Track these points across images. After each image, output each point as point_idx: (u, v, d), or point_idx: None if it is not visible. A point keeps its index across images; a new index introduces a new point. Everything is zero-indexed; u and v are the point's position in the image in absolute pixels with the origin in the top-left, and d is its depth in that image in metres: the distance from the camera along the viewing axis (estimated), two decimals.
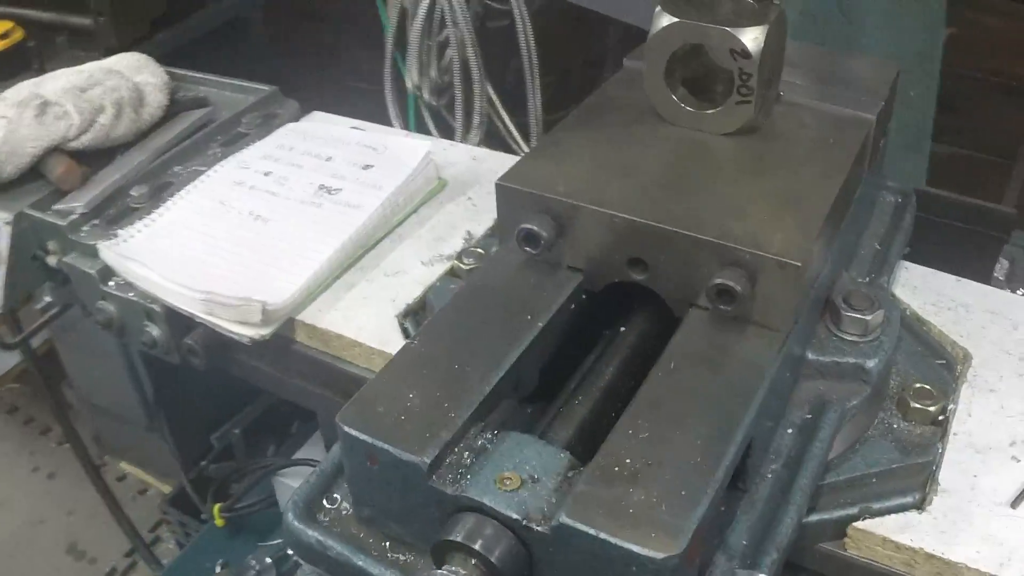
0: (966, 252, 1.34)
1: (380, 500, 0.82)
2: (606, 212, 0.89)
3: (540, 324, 0.88)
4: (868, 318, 0.98)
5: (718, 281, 0.85)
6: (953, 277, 1.22)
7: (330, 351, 1.16)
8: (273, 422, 1.88)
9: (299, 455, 1.42)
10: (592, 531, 0.71)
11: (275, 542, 1.50)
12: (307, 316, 1.17)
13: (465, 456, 0.79)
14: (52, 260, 1.38)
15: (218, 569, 1.48)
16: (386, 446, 0.77)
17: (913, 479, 0.98)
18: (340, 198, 1.29)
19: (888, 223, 1.20)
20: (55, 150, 1.41)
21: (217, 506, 1.48)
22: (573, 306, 0.93)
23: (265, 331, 1.14)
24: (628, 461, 0.76)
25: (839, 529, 0.95)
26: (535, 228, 0.90)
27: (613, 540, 0.70)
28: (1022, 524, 0.96)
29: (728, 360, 0.86)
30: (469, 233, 1.27)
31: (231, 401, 1.91)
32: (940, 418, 1.02)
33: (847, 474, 0.96)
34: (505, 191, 0.93)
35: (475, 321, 0.90)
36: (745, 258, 0.85)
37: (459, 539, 0.74)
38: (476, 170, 1.42)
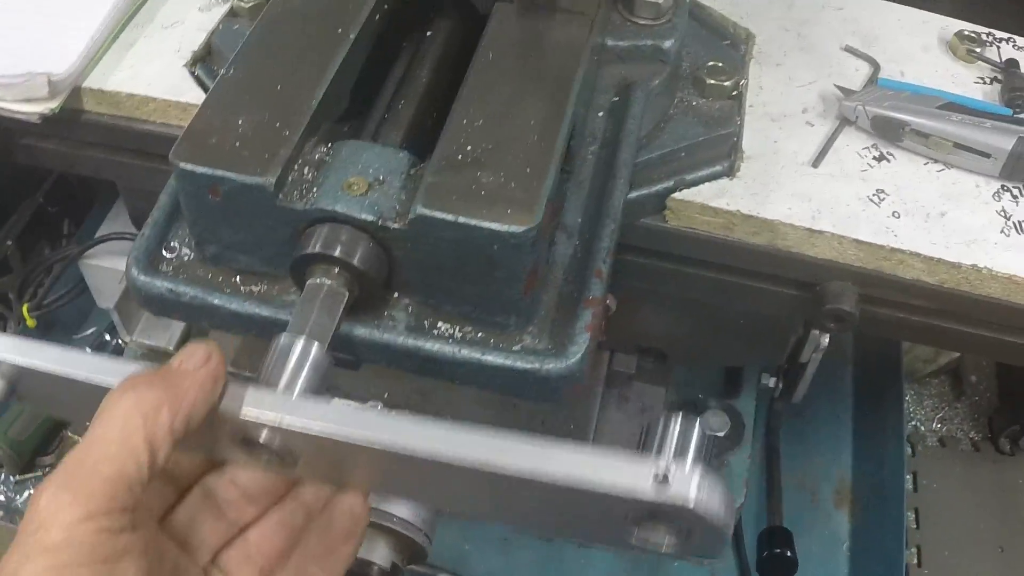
0: None
1: (225, 234, 0.81)
2: None
3: (352, 35, 0.87)
4: (660, 1, 1.01)
5: None
6: None
7: (123, 113, 1.11)
8: (42, 225, 1.82)
9: (99, 234, 1.37)
10: (450, 217, 0.73)
11: (89, 331, 1.47)
12: (93, 82, 1.11)
13: (306, 172, 0.79)
14: None
15: None
16: (228, 173, 0.76)
17: (719, 149, 1.04)
18: None
19: None
20: None
21: (25, 306, 1.43)
22: (377, 16, 0.92)
23: (53, 104, 1.07)
24: (469, 148, 0.78)
25: (659, 203, 1.01)
26: None
27: (472, 222, 0.73)
28: (824, 181, 1.05)
29: (543, 46, 0.88)
30: None
31: None
32: (734, 93, 1.08)
33: (658, 151, 1.01)
34: None
35: (286, 42, 0.87)
36: None
37: (318, 250, 0.75)
38: None
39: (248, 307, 0.82)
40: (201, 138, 0.79)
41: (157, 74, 1.11)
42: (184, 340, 1.22)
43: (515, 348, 0.80)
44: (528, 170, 0.76)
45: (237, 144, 0.78)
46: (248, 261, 0.83)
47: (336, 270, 0.75)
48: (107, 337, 1.44)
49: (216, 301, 0.83)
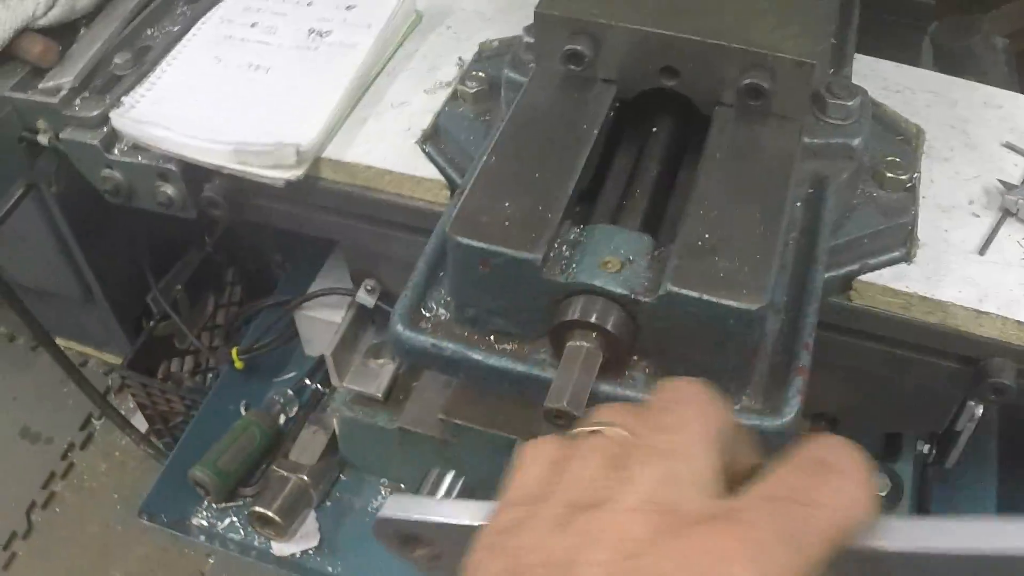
0: (892, 42, 1.50)
1: (486, 300, 0.95)
2: (639, 29, 1.02)
3: (595, 131, 1.01)
4: (849, 104, 1.13)
5: (748, 80, 0.99)
6: (893, 63, 1.39)
7: (358, 183, 1.25)
8: (207, 275, 1.96)
9: (312, 289, 1.52)
10: (696, 294, 0.86)
11: (290, 375, 1.61)
12: (331, 153, 1.26)
13: (564, 250, 0.92)
14: (43, 139, 1.42)
15: (243, 410, 1.58)
16: (499, 248, 0.90)
17: (897, 237, 1.15)
18: (334, 39, 1.37)
19: (840, 18, 1.35)
20: (24, 30, 1.43)
21: (235, 348, 1.57)
22: (611, 114, 1.05)
23: (299, 171, 1.23)
24: (707, 237, 0.91)
25: (845, 284, 1.13)
26: (579, 48, 1.02)
27: (714, 299, 0.85)
28: (991, 268, 1.15)
29: (761, 147, 1.00)
30: (460, 59, 1.37)
31: (159, 262, 1.97)
32: (909, 185, 1.19)
33: (844, 237, 1.12)
34: (542, 16, 1.04)
35: (537, 134, 1.01)
36: (768, 59, 0.99)
37: (576, 316, 0.89)
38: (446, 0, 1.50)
39: (504, 363, 0.96)
40: (473, 217, 0.93)
41: (390, 149, 1.26)
42: (391, 388, 1.35)
43: (736, 407, 0.92)
44: (757, 257, 0.89)
45: (507, 224, 0.92)
46: (502, 324, 0.96)
47: (593, 335, 0.88)
48: (307, 382, 1.58)
49: (476, 356, 0.96)
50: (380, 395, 1.35)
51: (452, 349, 0.97)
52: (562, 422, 0.85)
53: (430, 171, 1.23)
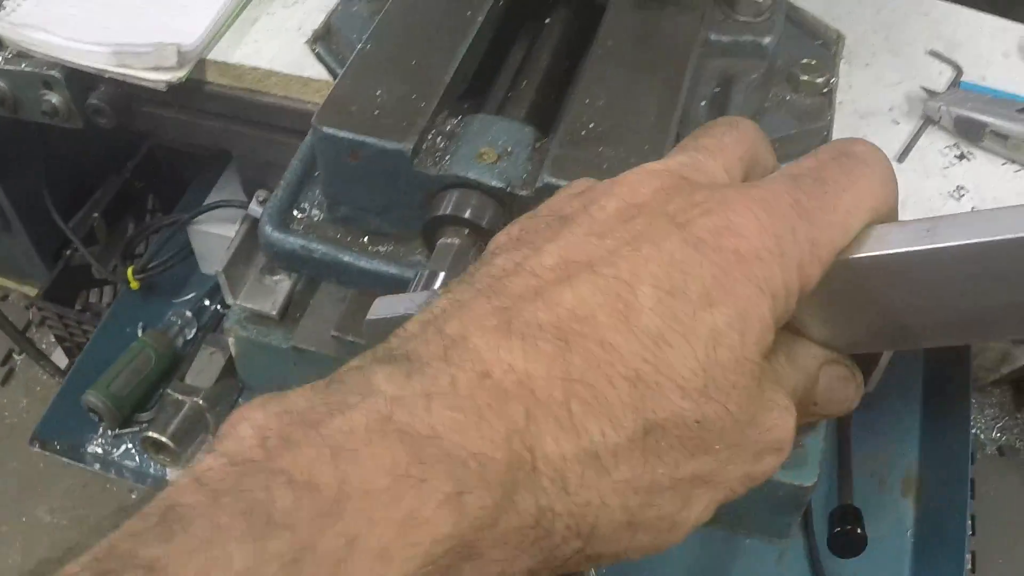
0: None
1: (359, 196, 0.88)
2: None
3: (479, 18, 0.94)
4: (760, 0, 1.06)
5: None
6: None
7: (245, 85, 1.18)
8: (128, 200, 1.89)
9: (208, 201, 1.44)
10: None
11: (189, 296, 1.54)
12: (217, 54, 1.18)
13: (439, 141, 0.85)
14: None
15: (140, 332, 1.50)
16: (369, 139, 0.83)
17: (810, 142, 1.09)
18: None
19: None
20: None
21: (131, 268, 1.50)
22: (501, 2, 0.98)
23: (181, 73, 1.15)
24: (592, 125, 0.84)
25: None
26: None
27: None
28: (908, 176, 1.10)
29: (658, 36, 0.94)
30: None
31: (79, 189, 1.89)
32: (825, 90, 1.13)
33: None
34: None
35: (418, 21, 0.94)
36: None
37: (449, 211, 0.82)
38: None
39: (376, 265, 0.89)
40: (343, 106, 0.86)
41: (279, 50, 1.18)
42: (287, 306, 1.28)
43: None
44: (646, 147, 0.82)
45: (376, 113, 0.85)
46: (377, 223, 0.90)
47: (466, 231, 0.82)
48: (207, 303, 1.51)
49: (346, 258, 0.89)
50: (275, 313, 1.27)
51: (322, 251, 0.90)
52: None
53: (320, 72, 1.15)
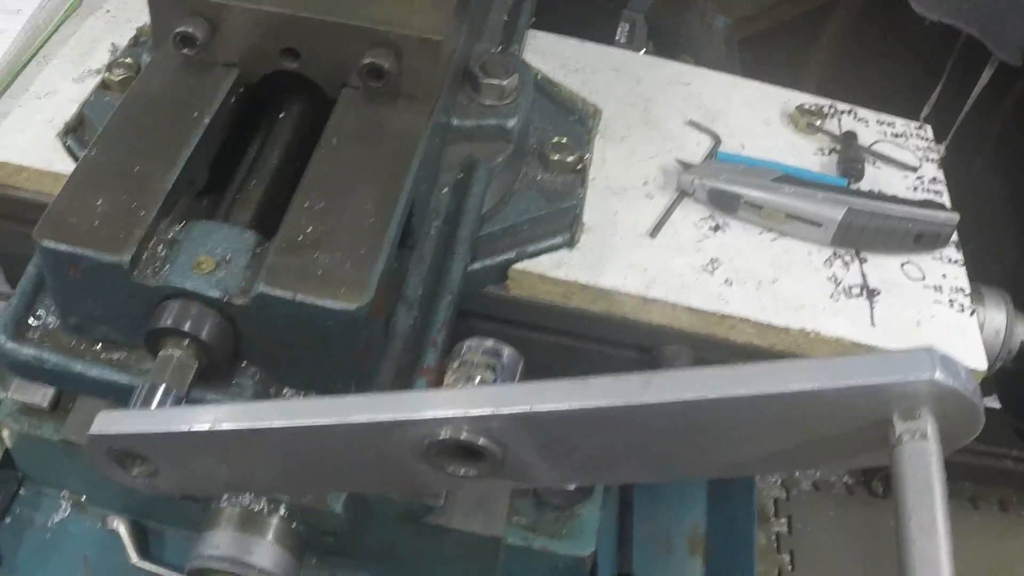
0: (588, 19, 1.47)
1: (86, 306, 0.87)
2: (256, 8, 0.95)
3: (206, 120, 0.94)
4: (504, 83, 1.09)
5: (367, 61, 0.93)
6: (577, 40, 1.35)
7: None
8: None
9: None
10: (288, 295, 0.80)
11: None
12: None
13: (160, 249, 0.85)
14: None
15: None
16: (86, 252, 0.82)
17: (560, 222, 1.12)
18: None
19: None
20: None
21: None
22: (233, 99, 0.98)
23: None
24: (309, 231, 0.85)
25: (501, 273, 1.08)
26: (190, 30, 0.95)
27: (308, 300, 0.80)
28: (661, 251, 1.13)
29: (384, 131, 0.95)
30: (114, 45, 1.28)
31: None
32: (579, 167, 1.16)
33: (501, 224, 1.08)
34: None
35: (144, 126, 0.93)
36: (390, 37, 0.94)
37: (168, 324, 0.82)
38: None
39: (107, 374, 0.88)
40: (62, 217, 0.85)
41: (30, 143, 1.16)
42: (59, 397, 1.26)
43: None
44: (362, 251, 0.83)
45: (96, 223, 0.84)
46: (107, 331, 0.89)
47: (186, 342, 0.82)
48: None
49: (77, 368, 0.88)
50: (46, 405, 1.25)
51: (54, 361, 0.89)
52: None
53: (70, 166, 1.13)
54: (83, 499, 1.38)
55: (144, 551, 1.31)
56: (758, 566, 1.42)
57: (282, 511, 1.07)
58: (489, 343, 0.85)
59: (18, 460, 1.37)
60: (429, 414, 0.62)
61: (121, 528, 1.31)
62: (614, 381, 0.61)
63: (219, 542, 1.05)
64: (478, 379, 0.82)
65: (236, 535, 1.06)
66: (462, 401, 0.63)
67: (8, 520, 1.39)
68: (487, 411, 0.62)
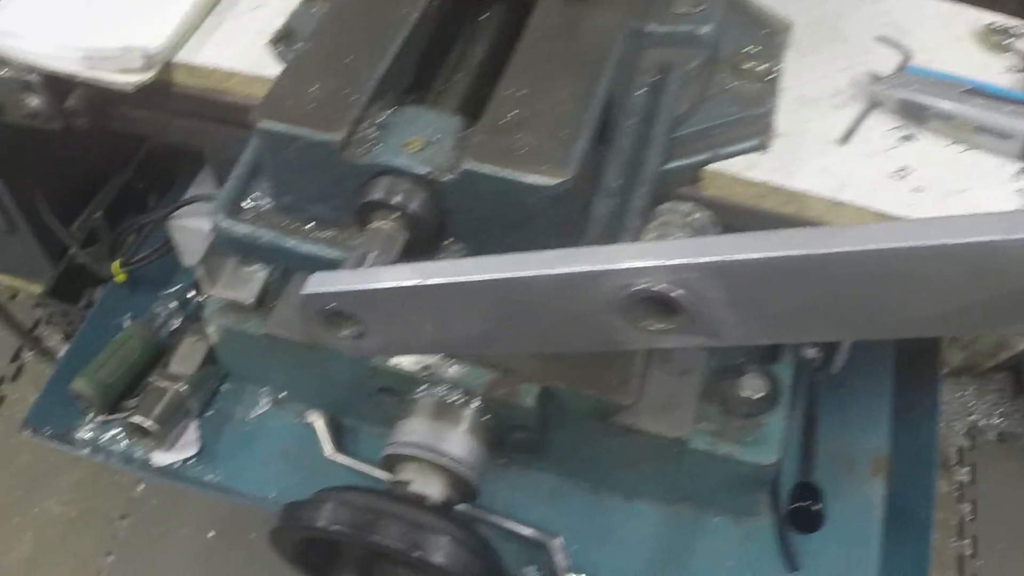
0: None
1: (299, 186, 0.93)
2: None
3: (414, 16, 0.98)
4: None
5: None
6: None
7: (210, 86, 1.22)
8: (130, 199, 1.94)
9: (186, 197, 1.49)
10: (494, 171, 0.83)
11: (175, 288, 1.59)
12: (183, 56, 1.23)
13: (370, 131, 0.90)
14: None
15: (126, 323, 1.56)
16: (301, 131, 0.88)
17: (753, 127, 1.12)
18: None
19: None
20: None
21: (116, 262, 1.55)
22: (438, 2, 1.02)
23: (147, 75, 1.19)
24: (514, 114, 0.88)
25: (693, 174, 1.10)
26: None
27: (512, 176, 0.83)
28: (850, 158, 1.12)
29: (580, 31, 0.97)
30: None
31: (82, 190, 1.94)
32: (768, 77, 1.16)
33: (695, 126, 1.09)
34: None
35: (355, 24, 0.98)
36: None
37: (378, 197, 0.86)
38: None
39: (318, 249, 0.94)
40: (279, 101, 0.90)
41: (242, 51, 1.23)
42: (263, 294, 1.33)
43: None
44: (563, 133, 0.86)
45: (311, 106, 0.89)
46: (318, 210, 0.94)
47: (395, 215, 0.86)
48: (190, 294, 1.56)
49: (289, 244, 0.94)
50: (251, 301, 1.32)
51: (267, 237, 0.95)
52: None
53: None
54: (282, 395, 1.46)
55: (339, 446, 1.37)
56: (938, 514, 1.40)
57: (476, 403, 1.12)
58: (686, 205, 0.87)
59: (222, 356, 1.45)
60: (627, 264, 0.64)
61: (318, 423, 1.39)
62: (806, 232, 0.62)
63: (414, 429, 1.11)
64: (674, 237, 0.84)
65: (431, 423, 1.11)
66: (659, 252, 0.64)
67: (211, 413, 1.48)
68: (683, 261, 0.63)
